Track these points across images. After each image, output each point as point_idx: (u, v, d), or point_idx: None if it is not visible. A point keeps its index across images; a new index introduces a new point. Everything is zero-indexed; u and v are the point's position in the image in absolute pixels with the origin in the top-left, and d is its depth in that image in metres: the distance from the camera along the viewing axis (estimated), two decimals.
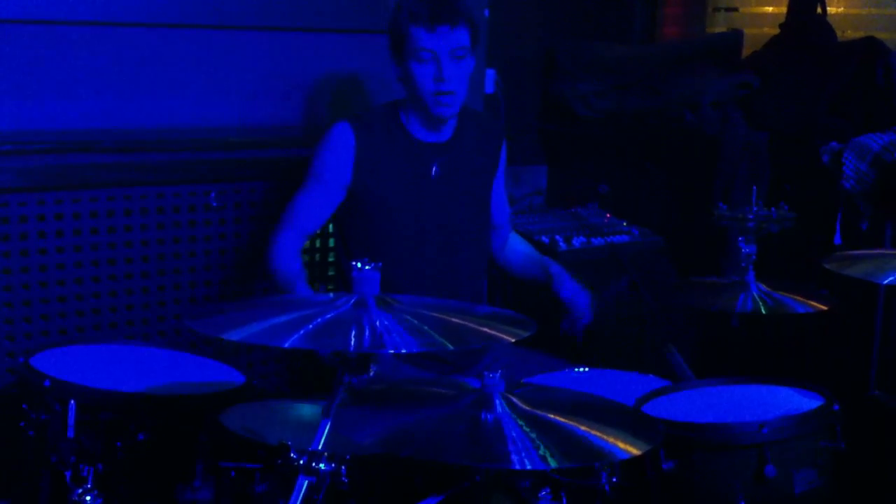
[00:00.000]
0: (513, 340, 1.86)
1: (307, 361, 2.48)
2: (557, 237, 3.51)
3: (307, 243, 3.01)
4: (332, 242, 3.18)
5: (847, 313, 3.05)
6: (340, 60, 3.23)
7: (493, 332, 1.88)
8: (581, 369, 2.61)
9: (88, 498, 1.92)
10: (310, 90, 3.19)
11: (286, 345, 1.72)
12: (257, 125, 3.14)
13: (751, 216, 2.65)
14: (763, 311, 2.45)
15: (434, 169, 2.77)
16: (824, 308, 2.47)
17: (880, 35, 3.98)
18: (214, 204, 3.03)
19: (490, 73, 3.67)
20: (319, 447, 1.77)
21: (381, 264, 1.88)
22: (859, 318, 3.42)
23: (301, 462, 1.74)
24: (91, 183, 2.86)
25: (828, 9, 4.16)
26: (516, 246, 3.07)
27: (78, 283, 2.86)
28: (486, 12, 3.44)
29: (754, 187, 2.72)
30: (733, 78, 4.03)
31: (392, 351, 1.73)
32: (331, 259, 3.22)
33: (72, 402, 2.13)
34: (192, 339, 2.93)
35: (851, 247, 3.37)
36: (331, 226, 3.08)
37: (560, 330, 2.77)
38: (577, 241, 3.52)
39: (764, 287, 2.51)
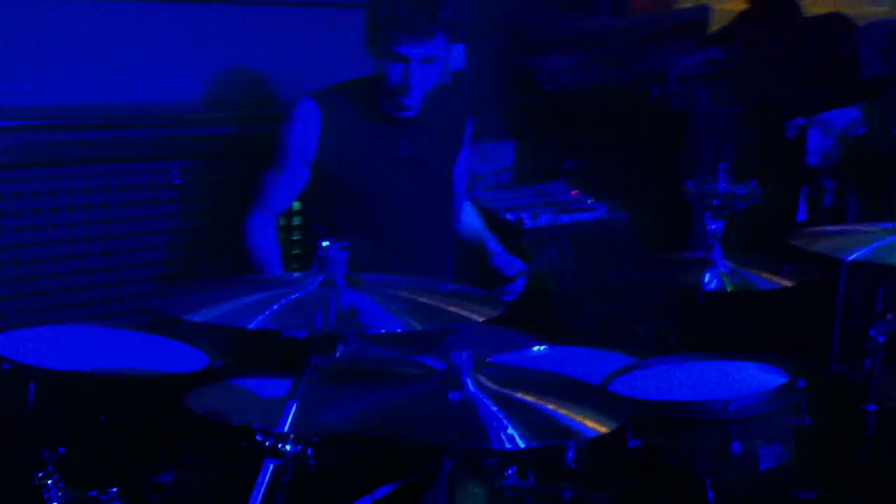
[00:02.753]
0: (480, 320, 1.86)
1: (272, 342, 2.46)
2: (523, 214, 3.50)
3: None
4: (296, 221, 3.15)
5: (810, 289, 3.07)
6: (309, 35, 3.20)
7: (460, 312, 1.87)
8: (540, 348, 2.60)
9: (49, 482, 1.89)
10: (276, 65, 3.16)
11: (251, 326, 1.70)
12: (221, 101, 3.10)
13: (717, 193, 2.65)
14: (729, 288, 2.46)
15: (402, 144, 2.76)
16: (790, 284, 2.48)
17: (846, 10, 4.00)
18: (176, 182, 2.99)
19: (459, 49, 3.64)
20: (286, 429, 1.75)
21: (347, 243, 1.86)
22: (822, 293, 3.45)
23: (267, 444, 1.73)
24: (51, 160, 2.81)
25: None
26: (465, 218, 3.09)
27: (37, 262, 2.81)
28: None
29: (721, 164, 2.71)
30: (700, 53, 4.03)
31: (358, 331, 1.71)
32: (295, 237, 3.19)
33: (31, 384, 2.09)
34: (153, 320, 2.89)
35: (815, 223, 3.40)
36: (297, 204, 3.05)
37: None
38: (543, 219, 3.51)
39: (730, 263, 2.52)
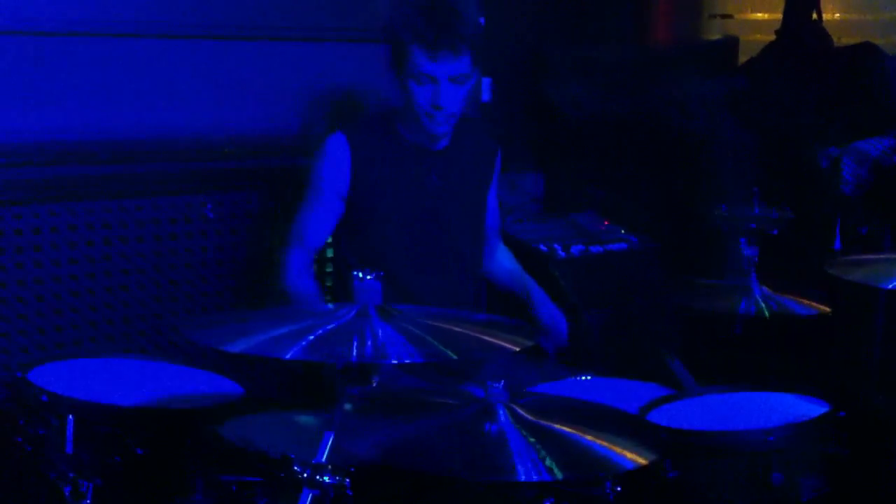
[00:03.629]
0: (516, 349, 1.85)
1: (306, 373, 2.46)
2: (556, 245, 3.49)
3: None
4: (329, 253, 3.15)
5: (848, 318, 3.04)
6: (336, 69, 3.22)
7: (494, 341, 1.87)
8: (584, 377, 2.59)
9: None
10: (305, 99, 3.18)
11: (287, 356, 1.70)
12: (252, 134, 3.12)
13: (752, 216, 2.63)
14: (766, 315, 2.43)
15: (431, 177, 2.76)
16: (827, 311, 2.46)
17: (876, 41, 3.98)
18: (210, 215, 3.01)
19: (486, 82, 3.66)
20: (323, 460, 1.74)
21: (382, 274, 1.86)
22: (860, 323, 3.41)
23: (305, 475, 1.72)
24: (86, 194, 2.84)
25: (823, 15, 4.16)
26: (503, 261, 3.03)
27: (74, 295, 2.83)
28: (483, 20, 3.43)
29: (755, 188, 2.70)
30: (724, 81, 4.03)
31: (395, 361, 1.71)
32: (328, 269, 3.20)
33: (70, 416, 2.10)
34: (188, 352, 2.90)
35: (851, 252, 3.36)
36: None
37: (539, 344, 2.78)
38: (575, 250, 3.50)
39: (766, 290, 2.50)
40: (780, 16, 4.22)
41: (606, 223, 3.76)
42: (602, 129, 4.06)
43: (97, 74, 2.85)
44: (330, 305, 2.01)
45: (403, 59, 2.60)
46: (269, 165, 3.11)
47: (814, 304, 2.48)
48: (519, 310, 2.89)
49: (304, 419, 2.28)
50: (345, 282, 2.72)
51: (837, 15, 4.43)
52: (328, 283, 3.20)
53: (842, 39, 4.25)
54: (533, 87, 4.20)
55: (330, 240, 2.98)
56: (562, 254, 3.45)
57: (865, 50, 3.92)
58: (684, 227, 3.64)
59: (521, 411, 1.84)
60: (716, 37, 4.75)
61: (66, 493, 2.03)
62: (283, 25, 3.11)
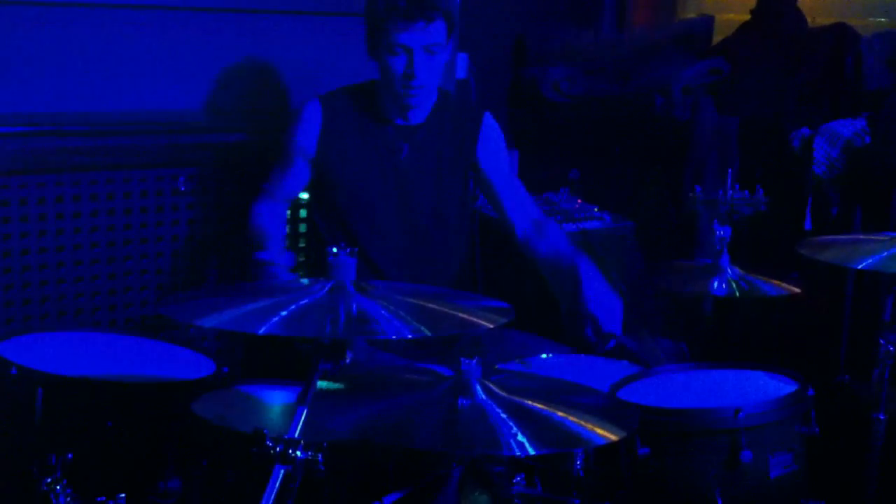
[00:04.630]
0: (490, 326, 1.85)
1: (279, 348, 2.46)
2: None
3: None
4: (302, 228, 3.14)
5: (818, 298, 3.06)
6: (312, 43, 3.20)
7: (469, 318, 1.87)
8: (547, 356, 2.57)
9: (58, 487, 1.88)
10: (281, 73, 3.16)
11: (261, 331, 1.69)
12: (226, 108, 3.10)
13: (725, 199, 2.65)
14: (737, 294, 2.45)
15: (404, 151, 2.75)
16: (797, 291, 2.48)
17: (851, 21, 4.00)
18: (182, 188, 2.99)
19: (462, 58, 3.65)
20: (296, 435, 1.74)
21: (356, 249, 1.86)
22: (829, 302, 3.44)
23: (277, 450, 1.72)
24: (56, 167, 2.81)
25: None
26: (553, 241, 2.79)
27: (43, 269, 2.80)
28: None
29: (729, 170, 2.72)
30: (704, 64, 4.04)
31: (369, 338, 1.71)
32: (301, 245, 3.19)
33: (39, 389, 2.09)
34: (159, 326, 2.88)
35: (821, 232, 3.39)
36: (301, 210, 3.05)
37: (584, 339, 2.57)
38: None
39: (738, 270, 2.52)
40: None
41: (580, 202, 3.77)
42: (578, 109, 4.07)
43: (68, 46, 2.82)
44: (304, 280, 2.01)
45: (378, 31, 2.61)
46: (242, 140, 3.09)
47: (784, 284, 2.50)
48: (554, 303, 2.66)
49: (277, 394, 2.28)
50: (319, 256, 2.73)
51: None
52: (301, 259, 3.19)
53: (816, 20, 4.27)
54: (510, 67, 4.20)
55: (302, 214, 2.99)
56: None
57: (840, 31, 3.94)
58: (657, 209, 3.66)
59: (493, 387, 1.85)
60: (691, 15, 4.76)
61: (36, 466, 2.02)
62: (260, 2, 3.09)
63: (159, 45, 2.96)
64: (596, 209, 3.71)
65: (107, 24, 2.87)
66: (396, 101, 2.69)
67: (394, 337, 1.74)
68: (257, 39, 3.12)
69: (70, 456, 2.01)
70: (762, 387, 2.28)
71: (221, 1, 3.03)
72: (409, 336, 1.74)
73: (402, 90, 2.65)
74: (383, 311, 1.78)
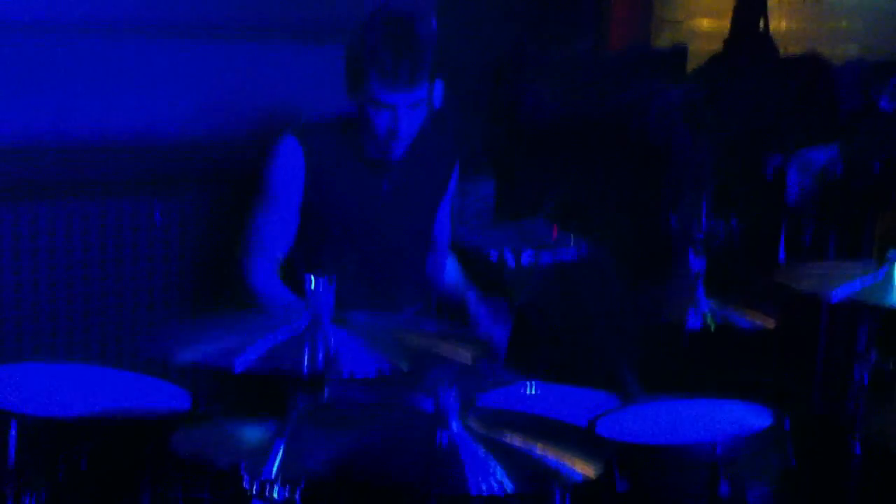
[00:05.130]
0: (469, 360, 1.85)
1: (257, 381, 2.44)
2: (506, 252, 3.49)
3: None
4: None
5: (793, 328, 3.08)
6: (288, 70, 3.18)
7: (448, 352, 1.87)
8: (528, 387, 2.58)
9: None
10: (257, 101, 3.14)
11: (237, 370, 1.68)
12: (203, 137, 3.08)
13: (700, 228, 2.66)
14: (712, 329, 2.46)
15: (384, 186, 2.74)
16: (772, 323, 2.49)
17: (822, 50, 4.05)
18: (158, 220, 2.96)
19: (439, 85, 3.64)
20: (273, 473, 1.73)
21: (335, 278, 1.84)
22: (805, 332, 3.46)
23: (254, 489, 1.70)
24: (30, 196, 2.78)
25: (770, 24, 4.22)
26: (451, 273, 2.99)
27: (16, 303, 2.77)
28: (434, 24, 3.41)
29: (703, 197, 2.74)
30: (680, 89, 4.07)
31: (347, 375, 1.70)
32: None
33: (12, 428, 2.06)
34: (136, 360, 2.86)
35: (795, 260, 3.42)
36: None
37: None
38: (525, 256, 3.50)
39: (713, 303, 2.53)
40: (727, 23, 4.28)
41: (557, 229, 3.77)
42: (555, 135, 4.08)
43: (43, 73, 2.79)
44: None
45: (360, 82, 2.55)
46: (220, 169, 3.07)
47: (759, 315, 2.51)
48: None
49: (254, 431, 2.26)
50: (295, 283, 2.70)
51: (784, 24, 4.50)
52: None
53: (788, 49, 4.32)
54: (485, 91, 4.21)
55: None
56: (512, 261, 3.45)
57: (811, 60, 3.99)
58: (634, 235, 3.67)
59: (471, 423, 1.84)
60: (665, 45, 4.80)
61: None
62: (238, 25, 3.07)
63: (135, 72, 2.93)
64: (572, 238, 3.71)
65: (81, 50, 2.83)
66: (377, 145, 2.66)
67: (372, 374, 1.73)
68: (234, 67, 3.10)
69: (43, 494, 1.99)
70: (739, 419, 2.29)
71: (198, 28, 3.01)
72: (388, 373, 1.73)
73: (382, 143, 2.61)
74: (361, 345, 1.77)
